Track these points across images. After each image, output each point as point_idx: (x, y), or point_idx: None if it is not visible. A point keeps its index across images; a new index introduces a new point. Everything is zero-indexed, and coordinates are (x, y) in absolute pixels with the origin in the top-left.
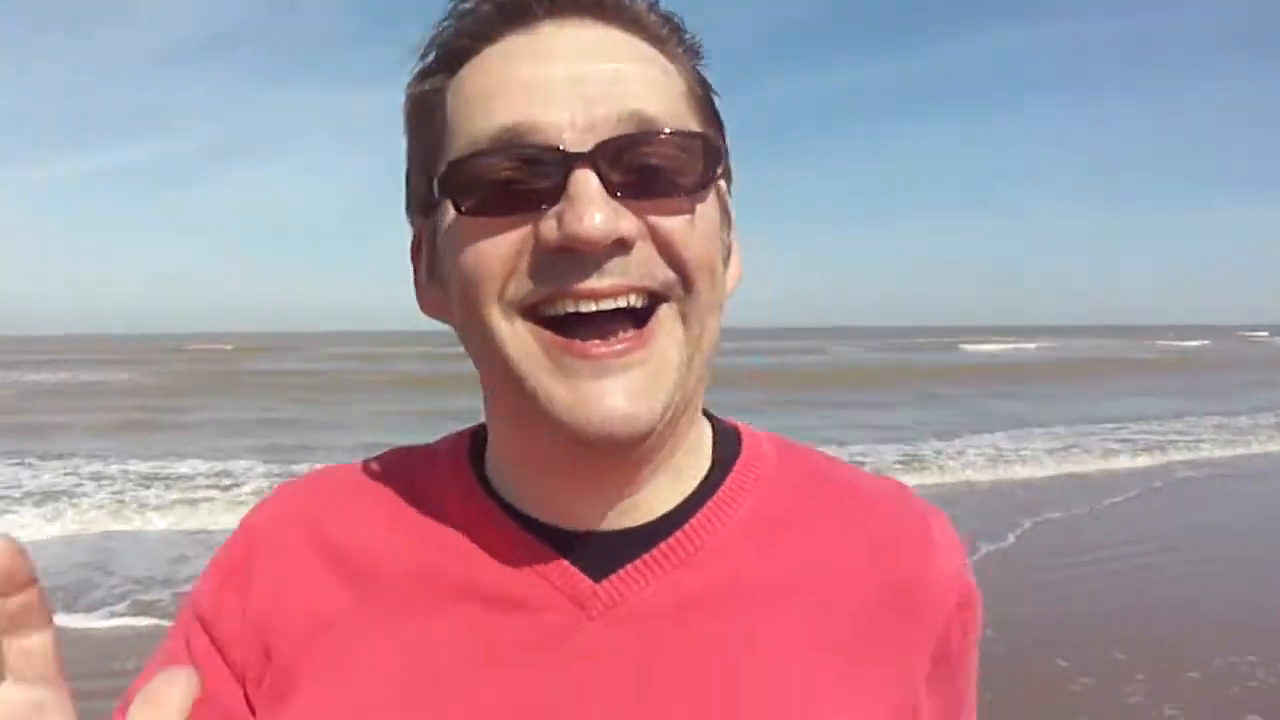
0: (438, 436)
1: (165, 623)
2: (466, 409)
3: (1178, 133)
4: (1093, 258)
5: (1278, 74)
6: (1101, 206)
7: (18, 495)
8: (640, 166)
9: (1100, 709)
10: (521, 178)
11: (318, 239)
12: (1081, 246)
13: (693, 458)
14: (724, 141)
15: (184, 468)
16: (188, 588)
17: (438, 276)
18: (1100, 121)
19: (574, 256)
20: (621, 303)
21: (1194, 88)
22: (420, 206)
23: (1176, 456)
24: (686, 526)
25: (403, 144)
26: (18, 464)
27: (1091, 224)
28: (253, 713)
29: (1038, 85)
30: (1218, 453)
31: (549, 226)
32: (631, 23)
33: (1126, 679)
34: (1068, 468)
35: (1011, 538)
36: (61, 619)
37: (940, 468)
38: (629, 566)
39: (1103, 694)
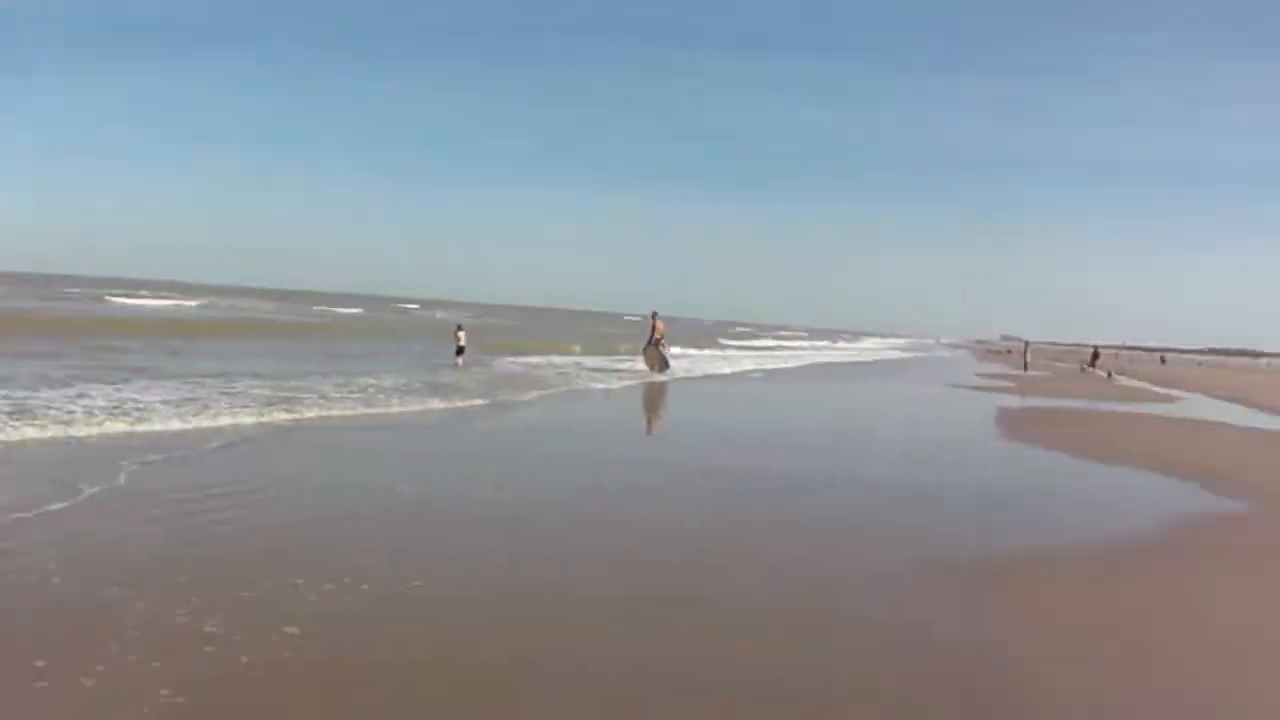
0: None
1: None
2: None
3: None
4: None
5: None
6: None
7: None
8: None
9: (148, 629)
10: None
11: None
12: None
13: None
14: None
15: None
16: None
17: None
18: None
19: None
20: None
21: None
22: None
23: (286, 414)
24: None
25: None
26: None
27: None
28: None
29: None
30: (332, 411)
31: None
32: None
33: (180, 602)
34: (180, 420)
35: (121, 479)
36: None
37: (52, 417)
38: None
39: (155, 616)
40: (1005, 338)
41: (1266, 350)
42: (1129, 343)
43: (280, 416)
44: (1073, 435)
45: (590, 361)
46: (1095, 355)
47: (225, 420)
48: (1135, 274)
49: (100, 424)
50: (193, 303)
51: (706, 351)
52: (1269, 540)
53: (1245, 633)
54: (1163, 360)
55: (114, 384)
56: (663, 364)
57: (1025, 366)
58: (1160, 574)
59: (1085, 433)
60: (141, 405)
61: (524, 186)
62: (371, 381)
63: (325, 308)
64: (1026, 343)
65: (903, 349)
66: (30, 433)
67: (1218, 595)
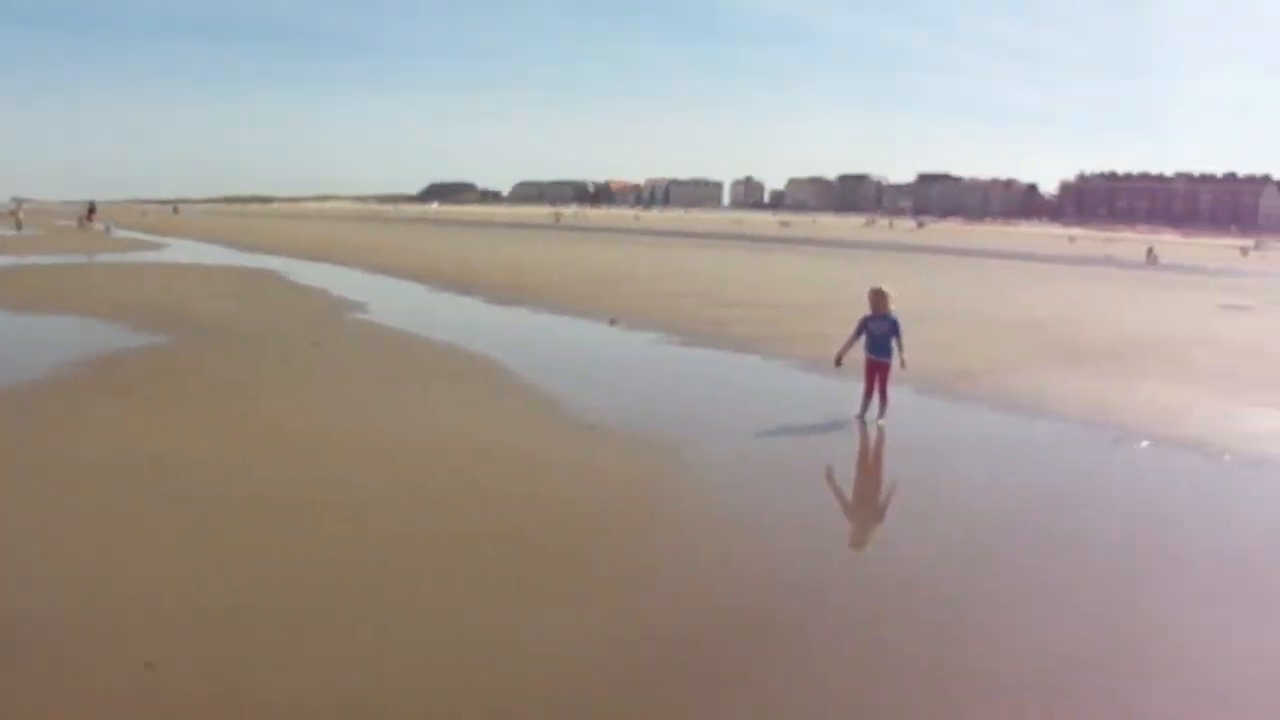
0: None
1: None
2: None
3: None
4: None
5: None
6: None
7: None
8: None
9: None
10: None
11: None
12: None
13: None
14: None
15: None
16: None
17: None
18: None
19: None
20: None
21: None
22: None
23: None
24: None
25: None
26: None
27: None
28: None
29: None
30: None
31: None
32: None
33: None
34: None
35: None
36: None
37: None
38: None
39: None
40: (16, 199)
41: (278, 196)
42: (143, 196)
43: None
44: (30, 291)
45: None
46: (91, 210)
47: None
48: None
49: None
50: None
51: None
52: (172, 368)
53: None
54: (175, 210)
55: None
56: None
57: (19, 226)
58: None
59: (45, 286)
60: None
61: None
62: None
63: None
64: (20, 202)
65: None
66: None
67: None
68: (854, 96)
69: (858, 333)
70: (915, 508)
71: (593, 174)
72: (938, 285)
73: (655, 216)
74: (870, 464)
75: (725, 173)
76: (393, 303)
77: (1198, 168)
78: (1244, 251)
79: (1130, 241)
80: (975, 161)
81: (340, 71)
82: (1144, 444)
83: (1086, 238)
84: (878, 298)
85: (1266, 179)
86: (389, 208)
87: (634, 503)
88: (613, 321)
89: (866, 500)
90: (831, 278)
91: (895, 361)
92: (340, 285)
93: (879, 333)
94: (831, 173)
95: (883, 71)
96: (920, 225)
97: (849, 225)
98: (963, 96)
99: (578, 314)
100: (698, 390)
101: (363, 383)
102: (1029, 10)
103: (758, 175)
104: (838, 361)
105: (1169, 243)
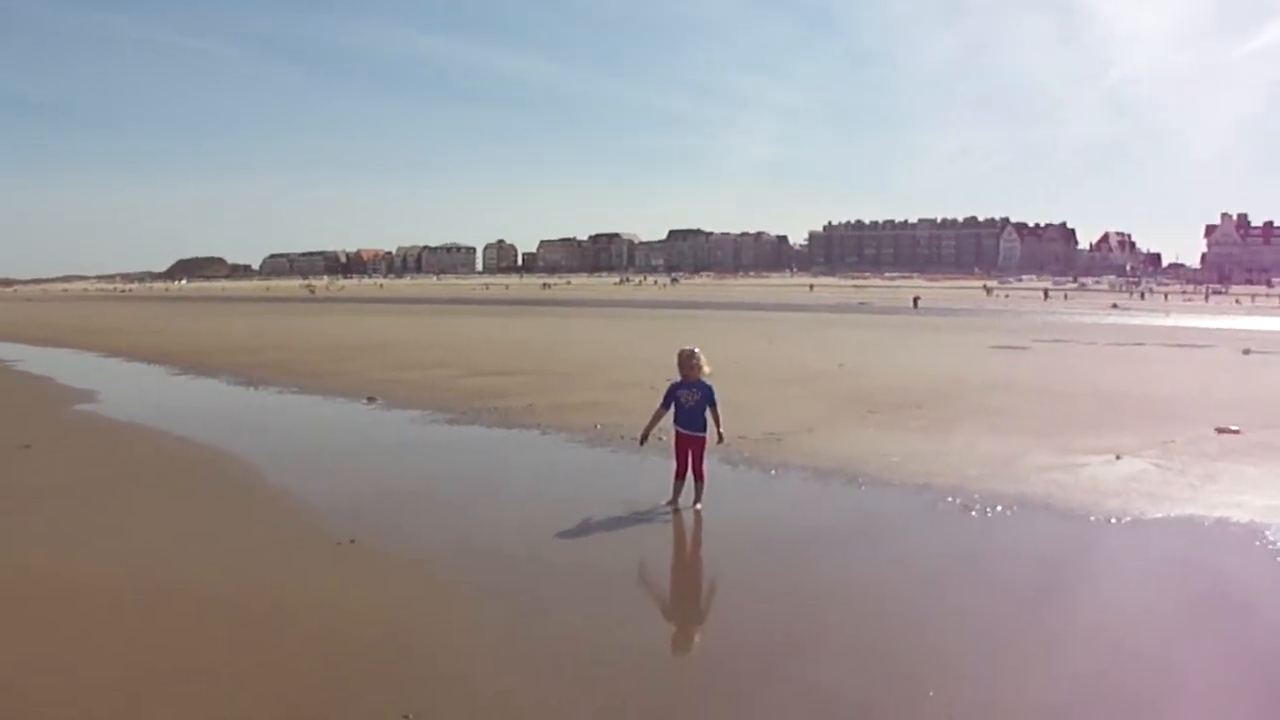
0: None
1: None
2: None
3: None
4: None
5: None
6: None
7: None
8: None
9: None
10: None
11: None
12: None
13: None
14: None
15: None
16: None
17: None
18: None
19: None
20: None
21: None
22: None
23: None
24: None
25: None
26: None
27: None
28: None
29: None
30: None
31: None
32: None
33: None
34: None
35: None
36: None
37: None
38: None
39: None
40: None
41: (19, 279)
42: None
43: None
44: None
45: None
46: None
47: None
48: None
49: None
50: None
51: None
52: None
53: None
54: None
55: None
56: None
57: None
58: None
59: None
60: None
61: None
62: None
63: None
64: None
65: None
66: None
67: None
68: (603, 156)
69: (665, 403)
70: (776, 626)
71: (344, 244)
72: (705, 342)
73: (405, 285)
74: (702, 566)
75: (477, 237)
76: (126, 390)
77: (940, 214)
78: (988, 291)
79: (879, 288)
80: (725, 216)
81: (79, 150)
82: (998, 509)
83: (835, 285)
84: (688, 361)
85: (1005, 222)
86: (135, 286)
87: (390, 659)
88: (370, 399)
89: (714, 621)
90: (596, 340)
91: (711, 435)
92: (70, 372)
93: (690, 403)
94: (582, 233)
95: (630, 131)
96: (674, 281)
97: (604, 285)
98: (710, 153)
99: (331, 392)
100: (476, 479)
101: (72, 495)
102: (770, 71)
103: (509, 238)
104: (643, 439)
105: (918, 287)
